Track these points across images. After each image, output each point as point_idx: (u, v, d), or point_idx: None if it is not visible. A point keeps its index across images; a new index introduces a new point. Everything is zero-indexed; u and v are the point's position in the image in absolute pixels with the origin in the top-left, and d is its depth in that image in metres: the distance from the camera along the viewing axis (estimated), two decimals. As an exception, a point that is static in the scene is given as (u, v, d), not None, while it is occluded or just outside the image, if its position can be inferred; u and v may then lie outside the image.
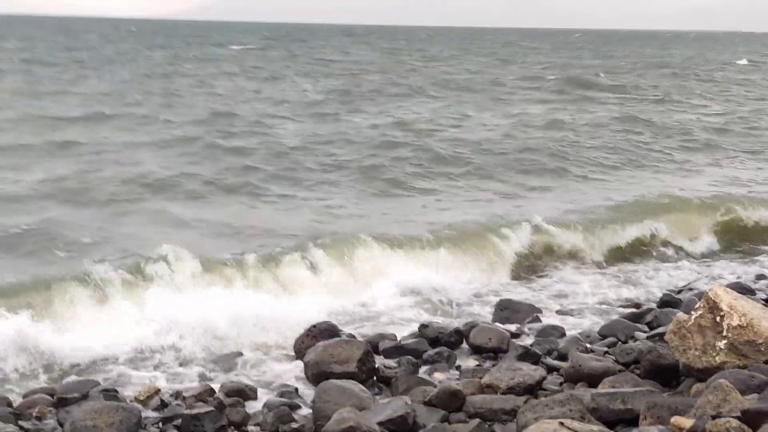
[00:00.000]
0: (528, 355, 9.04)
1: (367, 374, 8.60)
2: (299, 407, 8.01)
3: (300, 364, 9.18)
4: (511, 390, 7.79)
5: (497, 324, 10.39)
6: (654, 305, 11.20)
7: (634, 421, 6.44)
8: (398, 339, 10.02)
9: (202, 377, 9.03)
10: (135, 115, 28.14)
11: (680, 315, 7.68)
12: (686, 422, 5.17)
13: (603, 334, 10.02)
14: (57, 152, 20.90)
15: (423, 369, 9.03)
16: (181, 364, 9.43)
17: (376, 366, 8.83)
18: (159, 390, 8.44)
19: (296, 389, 8.58)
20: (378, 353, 9.40)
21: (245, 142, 23.18)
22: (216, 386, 8.50)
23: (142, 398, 8.20)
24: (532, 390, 7.88)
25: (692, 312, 7.44)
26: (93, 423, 6.78)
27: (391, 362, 9.07)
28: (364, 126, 27.25)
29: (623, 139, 25.33)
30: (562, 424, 5.32)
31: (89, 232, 13.68)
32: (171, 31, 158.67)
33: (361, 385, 7.97)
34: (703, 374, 7.06)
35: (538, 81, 47.51)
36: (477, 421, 6.89)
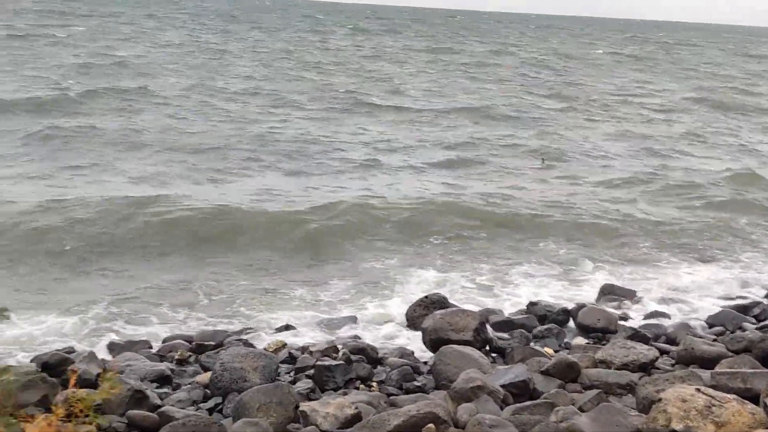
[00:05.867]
0: (637, 337, 9.28)
1: (481, 343, 9.01)
2: (418, 368, 8.47)
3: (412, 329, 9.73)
4: (625, 366, 8.09)
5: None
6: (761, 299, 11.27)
7: (753, 399, 6.65)
8: (505, 314, 10.43)
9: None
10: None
11: (798, 304, 7.81)
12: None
13: (710, 323, 10.20)
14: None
15: (533, 343, 9.41)
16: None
17: (490, 336, 9.24)
18: (285, 344, 9.05)
19: (412, 352, 9.06)
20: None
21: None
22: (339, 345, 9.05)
23: (271, 350, 8.80)
24: (646, 368, 8.15)
25: (812, 302, 7.58)
26: (240, 366, 7.37)
27: (503, 334, 9.46)
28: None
29: None
30: (698, 389, 5.61)
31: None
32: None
33: (479, 351, 8.39)
34: (821, 361, 7.22)
35: None
36: (597, 391, 7.19)
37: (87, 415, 4.02)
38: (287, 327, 9.76)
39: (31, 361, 7.97)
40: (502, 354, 9.02)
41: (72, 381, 4.76)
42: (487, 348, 9.12)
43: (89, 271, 11.46)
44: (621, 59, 63.89)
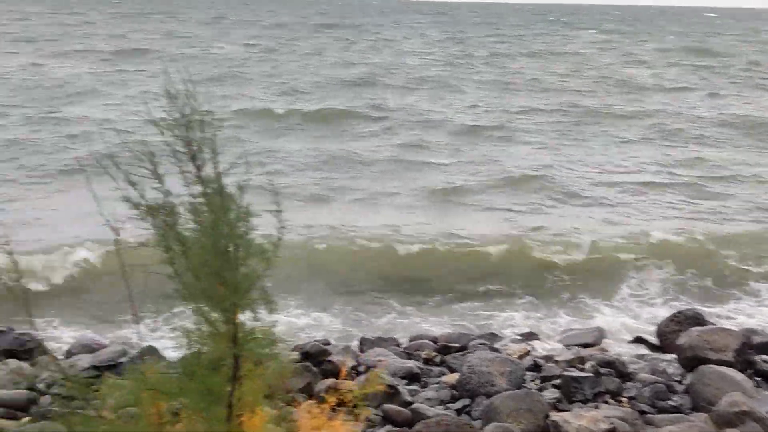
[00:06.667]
0: None
1: (743, 365, 8.36)
2: (672, 386, 8.02)
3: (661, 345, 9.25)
4: None
5: None
6: None
7: None
8: (770, 336, 9.59)
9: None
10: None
11: None
12: None
13: None
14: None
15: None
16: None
17: (753, 358, 8.54)
18: (529, 351, 8.97)
19: (665, 369, 8.60)
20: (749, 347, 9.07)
21: None
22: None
23: (515, 356, 8.76)
24: None
25: None
26: (488, 370, 7.42)
27: (769, 357, 8.71)
28: None
29: None
30: None
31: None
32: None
33: (741, 374, 7.79)
34: None
35: None
36: None
37: (355, 406, 4.22)
38: (530, 334, 9.68)
39: (293, 350, 8.55)
40: (766, 378, 8.30)
41: (343, 372, 5.04)
42: (750, 371, 8.45)
43: (344, 280, 11.94)
44: None
